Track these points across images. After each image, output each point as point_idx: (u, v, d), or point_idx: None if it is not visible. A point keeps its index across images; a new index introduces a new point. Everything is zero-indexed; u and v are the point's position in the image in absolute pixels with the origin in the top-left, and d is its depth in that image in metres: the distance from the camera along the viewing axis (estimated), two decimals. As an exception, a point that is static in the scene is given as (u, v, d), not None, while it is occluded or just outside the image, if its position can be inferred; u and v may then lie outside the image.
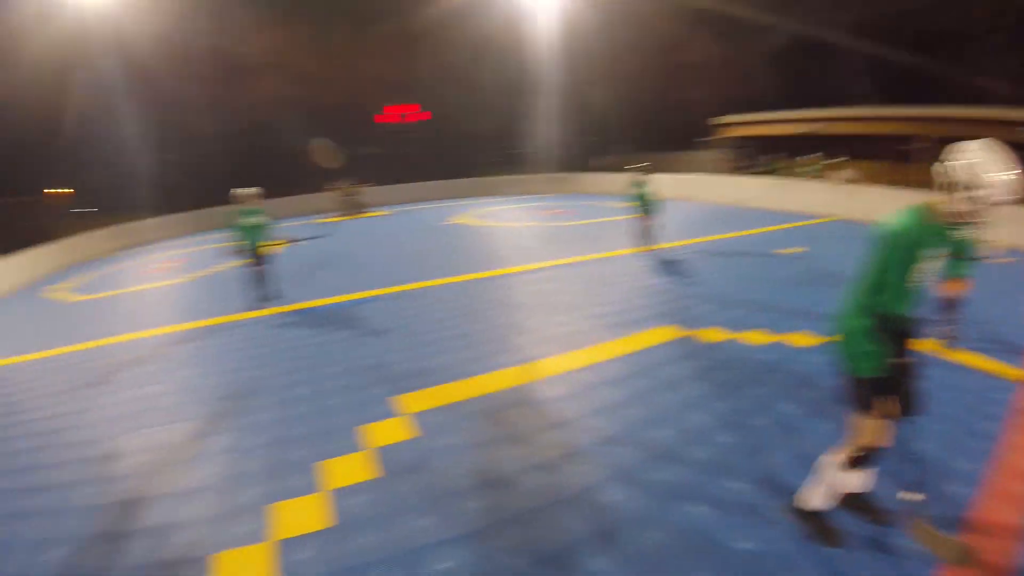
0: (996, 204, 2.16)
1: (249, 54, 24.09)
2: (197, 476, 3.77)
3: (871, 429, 2.45)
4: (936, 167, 2.29)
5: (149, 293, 10.33)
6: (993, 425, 3.91)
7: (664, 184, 16.52)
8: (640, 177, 9.35)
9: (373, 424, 4.24)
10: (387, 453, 3.82)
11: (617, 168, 20.32)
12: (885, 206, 5.00)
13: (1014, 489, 3.27)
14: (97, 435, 4.54)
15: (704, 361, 4.87)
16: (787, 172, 18.25)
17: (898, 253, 2.27)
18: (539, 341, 5.65)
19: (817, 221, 12.77)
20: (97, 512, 3.43)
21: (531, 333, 5.96)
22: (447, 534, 2.98)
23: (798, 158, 18.62)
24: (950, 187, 2.22)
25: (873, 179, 14.58)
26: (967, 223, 2.24)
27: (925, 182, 4.79)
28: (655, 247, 9.48)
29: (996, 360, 4.99)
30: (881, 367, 2.35)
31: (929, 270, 2.33)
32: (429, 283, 8.71)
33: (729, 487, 3.24)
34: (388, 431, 4.13)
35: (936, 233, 2.30)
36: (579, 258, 9.34)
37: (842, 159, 16.88)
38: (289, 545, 3.04)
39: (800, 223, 12.63)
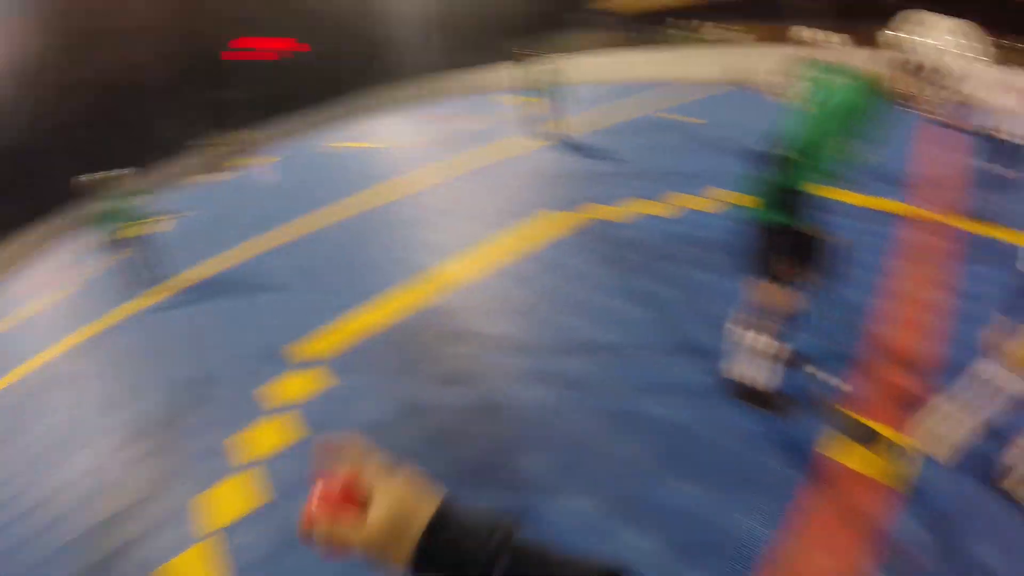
0: (956, 94, 2.09)
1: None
2: (124, 493, 3.43)
3: (782, 295, 2.51)
4: (889, 37, 2.11)
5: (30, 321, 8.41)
6: (879, 257, 4.23)
7: (559, 69, 16.41)
8: (537, 64, 8.96)
9: (285, 381, 4.00)
10: (307, 409, 3.62)
11: (511, 59, 19.37)
12: (780, 65, 5.10)
13: (903, 314, 3.58)
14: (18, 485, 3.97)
15: (613, 243, 4.90)
16: (684, 41, 18.11)
17: (834, 123, 2.21)
18: (444, 253, 5.45)
19: (715, 88, 12.93)
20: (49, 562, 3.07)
21: (435, 248, 5.71)
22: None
23: (693, 21, 18.46)
24: (907, 67, 2.07)
25: (774, 38, 14.65)
26: (914, 102, 2.16)
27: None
28: (556, 134, 9.27)
29: (878, 196, 5.37)
30: (795, 230, 2.37)
31: (857, 139, 2.29)
32: (318, 226, 8.02)
33: (652, 364, 3.32)
34: (301, 386, 3.90)
35: (877, 105, 2.23)
36: (478, 161, 9.01)
37: (740, 26, 16.88)
38: (232, 531, 2.88)
39: (700, 92, 12.75)
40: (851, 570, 2.16)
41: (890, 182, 5.84)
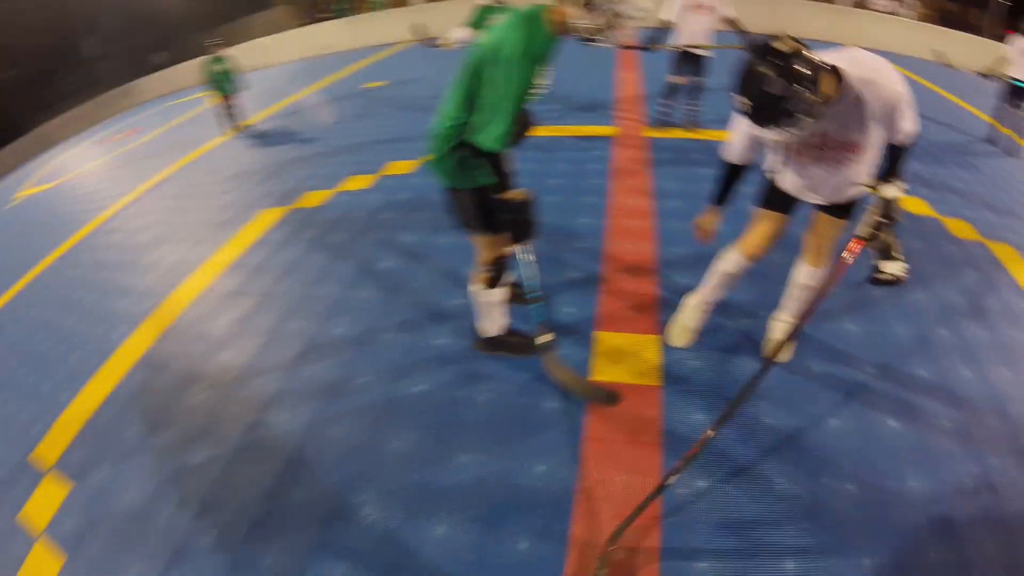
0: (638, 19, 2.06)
1: None
2: None
3: (490, 243, 2.44)
4: None
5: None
6: (601, 179, 4.62)
7: (239, 57, 14.78)
8: (215, 56, 7.85)
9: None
10: (54, 529, 2.59)
11: (185, 57, 16.82)
12: (455, 18, 5.18)
13: (627, 224, 3.93)
14: None
15: (316, 229, 4.44)
16: (355, 9, 17.66)
17: (513, 72, 1.95)
18: (156, 292, 4.29)
19: (395, 49, 12.90)
20: None
21: (144, 290, 4.43)
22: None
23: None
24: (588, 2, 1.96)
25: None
26: (591, 38, 2.04)
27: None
28: (243, 126, 8.28)
29: (591, 125, 5.91)
30: (486, 185, 2.25)
31: (537, 86, 2.13)
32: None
33: (398, 343, 3.10)
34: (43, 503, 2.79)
35: (551, 45, 2.07)
36: (165, 172, 7.47)
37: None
38: None
39: (380, 55, 12.61)
40: (648, 472, 2.27)
41: (601, 109, 6.47)
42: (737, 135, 2.18)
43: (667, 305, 3.14)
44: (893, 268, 2.07)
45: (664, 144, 5.37)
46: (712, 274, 2.67)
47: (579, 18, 1.99)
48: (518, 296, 3.14)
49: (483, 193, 2.28)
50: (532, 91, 2.06)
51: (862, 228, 2.03)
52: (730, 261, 2.57)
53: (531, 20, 2.00)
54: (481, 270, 2.53)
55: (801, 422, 2.46)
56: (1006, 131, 5.70)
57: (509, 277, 2.63)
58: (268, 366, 3.07)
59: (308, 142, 6.90)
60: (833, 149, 2.02)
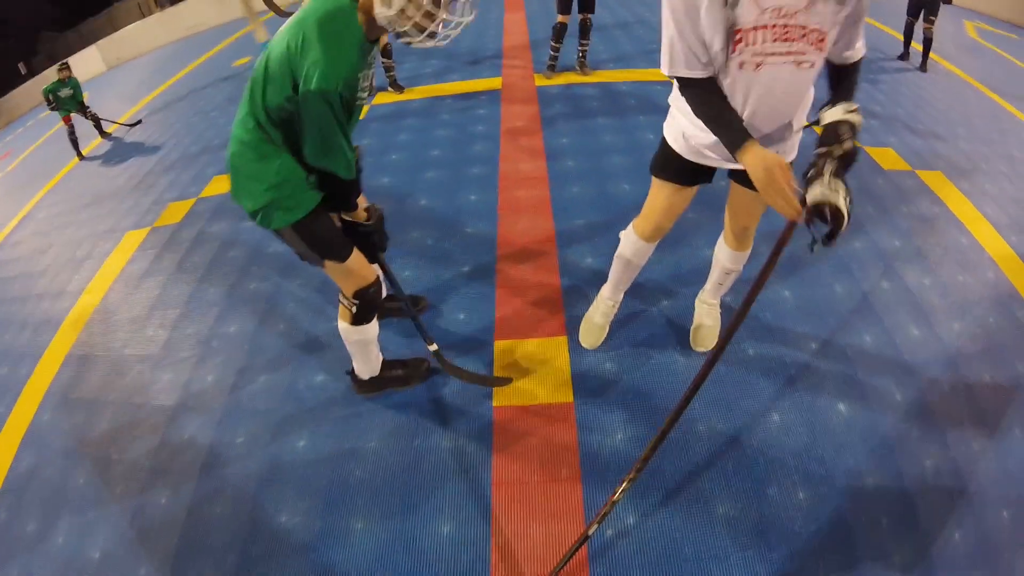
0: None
1: None
2: None
3: (345, 272, 1.88)
4: None
5: None
6: (489, 144, 4.04)
7: (93, 60, 12.95)
8: (58, 81, 6.62)
9: None
10: None
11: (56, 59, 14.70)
12: None
13: (521, 197, 3.41)
14: None
15: (178, 250, 3.64)
16: None
17: (323, 109, 1.47)
18: (27, 353, 3.44)
19: (264, 19, 11.63)
20: None
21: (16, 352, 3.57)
22: None
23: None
24: None
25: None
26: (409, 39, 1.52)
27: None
28: (104, 135, 7.02)
29: (475, 79, 5.24)
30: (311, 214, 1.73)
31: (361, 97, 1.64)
32: None
33: (261, 385, 2.52)
34: None
35: (367, 53, 1.57)
36: (29, 205, 6.10)
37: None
38: None
39: (248, 28, 11.32)
40: (570, 515, 1.90)
41: (488, 59, 5.82)
42: (676, 39, 1.40)
43: (572, 296, 2.69)
44: None
45: (556, 93, 4.83)
46: (615, 261, 2.21)
47: (386, 16, 1.46)
48: (395, 310, 2.60)
49: (311, 222, 1.72)
50: (356, 104, 1.60)
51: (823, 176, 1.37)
52: (627, 246, 2.10)
53: (337, 25, 1.45)
54: (345, 304, 1.96)
55: (739, 423, 2.11)
56: (916, 46, 5.67)
57: (379, 306, 2.06)
58: (139, 436, 2.42)
59: (172, 143, 5.84)
60: (797, 41, 1.33)
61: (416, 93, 5.14)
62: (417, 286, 2.84)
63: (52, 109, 6.62)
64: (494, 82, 5.18)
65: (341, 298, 1.96)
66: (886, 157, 3.79)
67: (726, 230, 2.04)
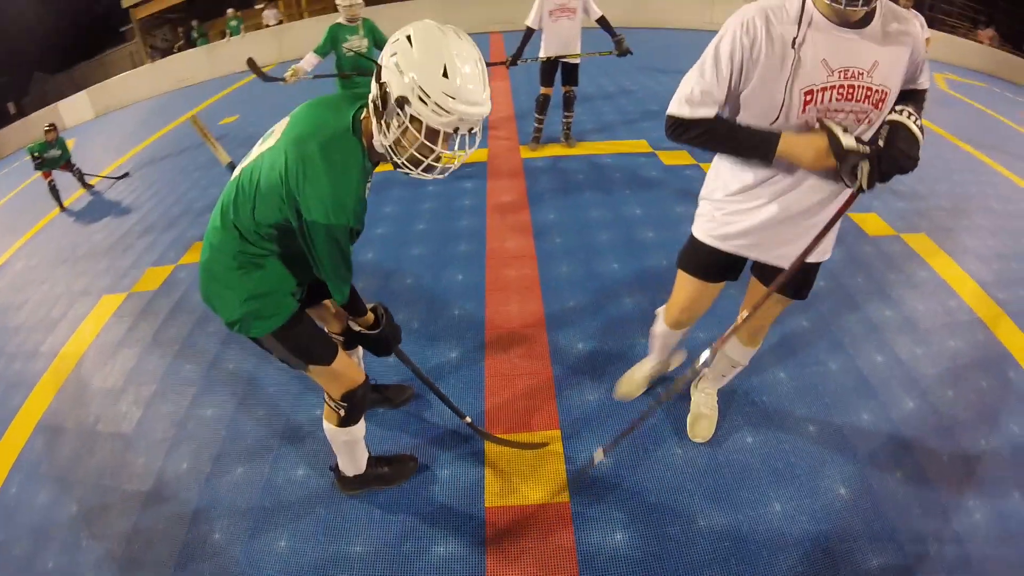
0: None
1: None
2: None
3: (331, 375, 1.85)
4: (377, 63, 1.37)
5: None
6: (476, 219, 4.07)
7: (82, 106, 13.39)
8: (43, 143, 6.72)
9: None
10: None
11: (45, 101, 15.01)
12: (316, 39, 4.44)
13: (509, 277, 3.42)
14: None
15: (155, 318, 3.63)
16: (214, 35, 16.55)
17: (329, 241, 1.44)
18: None
19: (251, 78, 12.01)
20: None
21: None
22: None
23: (215, 20, 16.94)
24: (387, 105, 1.33)
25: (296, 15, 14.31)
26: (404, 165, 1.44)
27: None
28: (87, 187, 7.06)
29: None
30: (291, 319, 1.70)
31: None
32: None
33: (238, 478, 2.44)
34: None
35: (368, 175, 1.53)
36: (11, 249, 6.08)
37: (260, 5, 16.01)
38: None
39: (237, 84, 11.63)
40: None
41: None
42: (699, 80, 1.46)
43: (564, 385, 2.69)
44: None
45: (542, 166, 4.95)
46: (651, 334, 2.29)
47: (383, 144, 1.41)
48: (381, 400, 2.57)
49: (292, 327, 1.70)
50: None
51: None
52: (659, 326, 2.18)
53: (343, 155, 1.40)
54: (332, 407, 1.92)
55: (741, 516, 2.07)
56: None
57: (366, 407, 2.02)
58: (111, 522, 2.33)
59: (154, 201, 5.87)
60: (860, 101, 1.38)
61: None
62: (403, 373, 2.80)
63: (38, 168, 6.63)
64: (480, 154, 5.31)
65: (328, 400, 1.92)
66: (870, 223, 3.87)
67: (740, 328, 2.02)
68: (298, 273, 1.66)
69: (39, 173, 6.70)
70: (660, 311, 2.16)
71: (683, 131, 1.50)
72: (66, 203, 6.51)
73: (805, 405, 2.47)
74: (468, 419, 2.27)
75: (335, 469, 2.23)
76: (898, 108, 1.37)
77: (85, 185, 6.92)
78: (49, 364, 3.38)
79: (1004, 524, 2.02)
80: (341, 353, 1.82)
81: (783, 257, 1.62)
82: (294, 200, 1.40)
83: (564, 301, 3.22)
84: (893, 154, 1.31)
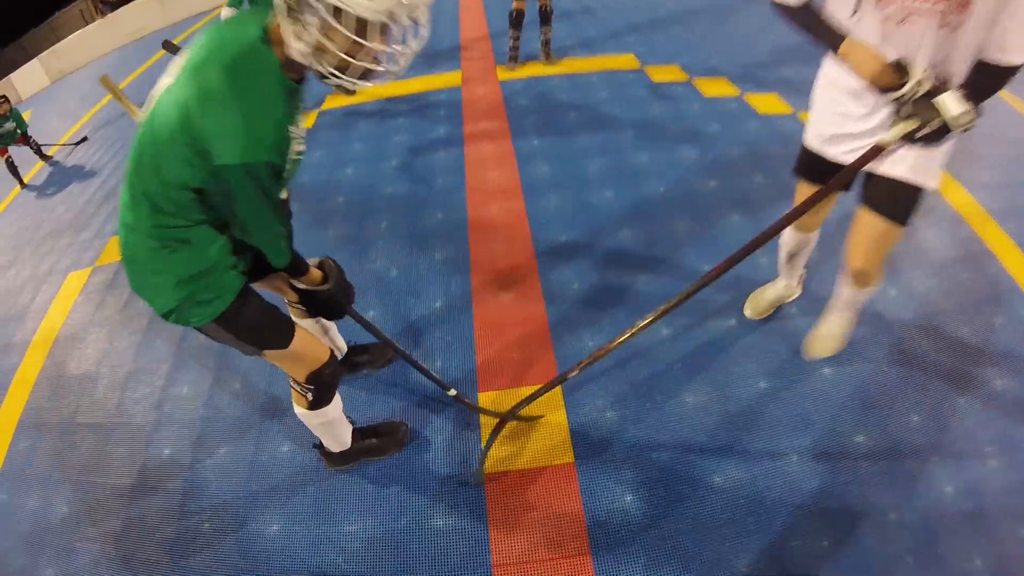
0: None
1: None
2: None
3: (291, 357, 1.61)
4: None
5: None
6: (453, 151, 3.76)
7: (36, 75, 12.31)
8: (1, 113, 6.11)
9: None
10: None
11: None
12: None
13: (493, 213, 3.16)
14: None
15: (122, 292, 3.30)
16: None
17: (248, 189, 1.17)
18: None
19: (209, 19, 11.07)
20: None
21: None
22: None
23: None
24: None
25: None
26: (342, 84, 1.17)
27: None
28: (44, 159, 6.51)
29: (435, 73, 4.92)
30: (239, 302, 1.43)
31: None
32: None
33: (223, 459, 2.27)
34: None
35: (296, 96, 1.24)
36: None
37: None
38: None
39: (194, 27, 10.74)
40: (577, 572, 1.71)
41: (445, 53, 5.47)
42: None
43: (561, 331, 2.48)
44: None
45: (521, 87, 4.54)
46: (778, 248, 2.20)
47: (302, 52, 1.11)
48: (364, 363, 2.36)
49: (237, 310, 1.43)
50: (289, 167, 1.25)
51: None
52: (787, 235, 2.10)
53: (252, 74, 1.12)
54: (299, 391, 1.70)
55: (757, 471, 1.91)
56: None
57: (336, 385, 1.80)
58: (100, 521, 2.18)
59: (112, 164, 5.39)
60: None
61: (367, 95, 4.81)
62: (385, 329, 2.58)
63: None
64: (453, 77, 4.87)
65: (292, 384, 1.70)
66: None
67: (848, 264, 1.82)
68: (236, 240, 1.38)
69: (2, 153, 6.19)
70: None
71: (780, 16, 1.46)
72: (26, 178, 6.00)
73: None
74: (453, 392, 2.05)
75: (319, 447, 2.04)
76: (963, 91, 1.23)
77: (43, 157, 6.39)
78: (23, 357, 3.11)
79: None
80: (299, 331, 1.58)
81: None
82: (201, 146, 1.11)
83: (555, 236, 2.97)
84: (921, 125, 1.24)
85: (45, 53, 12.49)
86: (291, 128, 1.21)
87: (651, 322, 1.54)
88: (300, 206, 3.48)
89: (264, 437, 2.29)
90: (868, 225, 1.65)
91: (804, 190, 1.87)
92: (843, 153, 1.64)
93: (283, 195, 1.57)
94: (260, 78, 1.13)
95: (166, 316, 1.37)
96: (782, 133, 3.50)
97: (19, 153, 6.17)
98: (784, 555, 1.72)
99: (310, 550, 1.92)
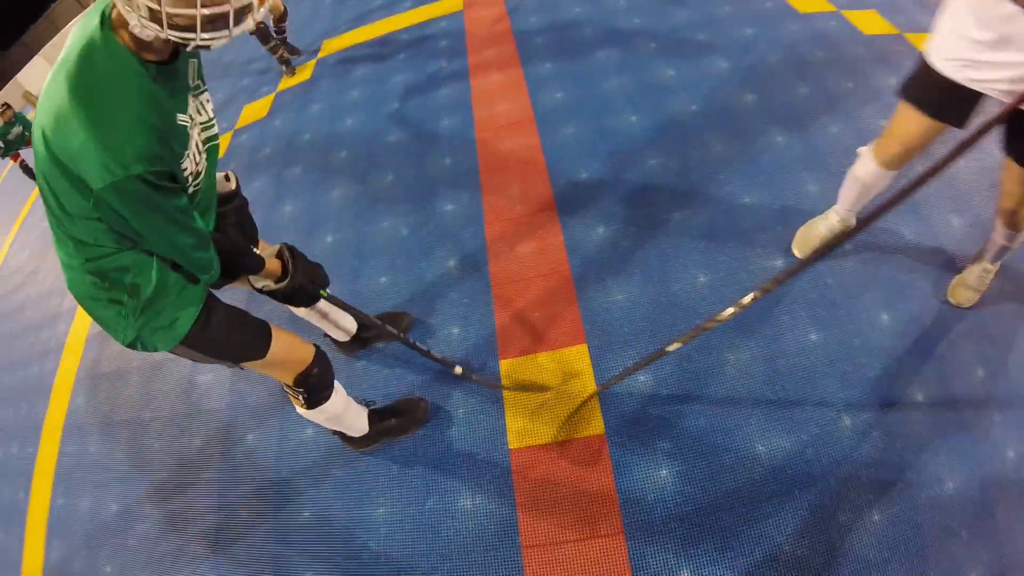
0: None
1: None
2: None
3: (273, 365, 1.48)
4: None
5: None
6: (458, 87, 3.46)
7: (41, 74, 12.07)
8: (5, 120, 6.15)
9: None
10: None
11: None
12: None
13: (506, 153, 2.91)
14: None
15: None
16: None
17: (152, 195, 1.00)
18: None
19: None
20: None
21: None
22: None
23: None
24: None
25: None
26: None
27: None
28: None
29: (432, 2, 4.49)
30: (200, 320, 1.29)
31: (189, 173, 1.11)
32: None
33: (249, 446, 2.26)
34: None
35: (168, 82, 1.03)
36: (5, 245, 5.75)
37: None
38: None
39: None
40: (610, 553, 1.65)
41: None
42: None
43: (585, 284, 2.27)
44: None
45: (527, 3, 4.08)
46: (848, 177, 1.92)
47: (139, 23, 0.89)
48: (376, 337, 2.25)
49: (202, 329, 1.30)
50: (185, 189, 1.09)
51: None
52: (863, 167, 1.81)
53: (94, 73, 0.93)
54: (290, 393, 1.60)
55: (806, 437, 1.72)
56: None
57: (331, 382, 1.68)
58: (147, 515, 2.26)
59: None
60: None
61: (366, 33, 4.45)
62: (396, 296, 2.45)
63: (3, 155, 6.25)
64: (453, 2, 4.43)
65: (284, 387, 1.59)
66: (866, 20, 3.11)
67: (1002, 203, 1.67)
68: None
69: (9, 159, 6.31)
70: (864, 149, 1.79)
71: None
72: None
73: (877, 287, 2.04)
74: (458, 369, 1.90)
75: (338, 432, 1.96)
76: None
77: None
78: (58, 363, 3.15)
79: None
80: (277, 336, 1.45)
81: None
82: (72, 173, 0.95)
83: (575, 173, 2.70)
84: None
85: (47, 47, 12.31)
86: (179, 117, 1.03)
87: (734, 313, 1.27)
88: (303, 168, 3.30)
89: (288, 421, 2.24)
90: (1018, 173, 1.52)
91: (910, 116, 1.57)
92: (978, 81, 1.37)
93: (232, 187, 1.41)
94: (106, 79, 0.94)
95: (131, 347, 1.25)
96: (826, 34, 3.04)
97: (30, 157, 6.12)
98: (831, 531, 1.57)
99: (343, 536, 1.90)
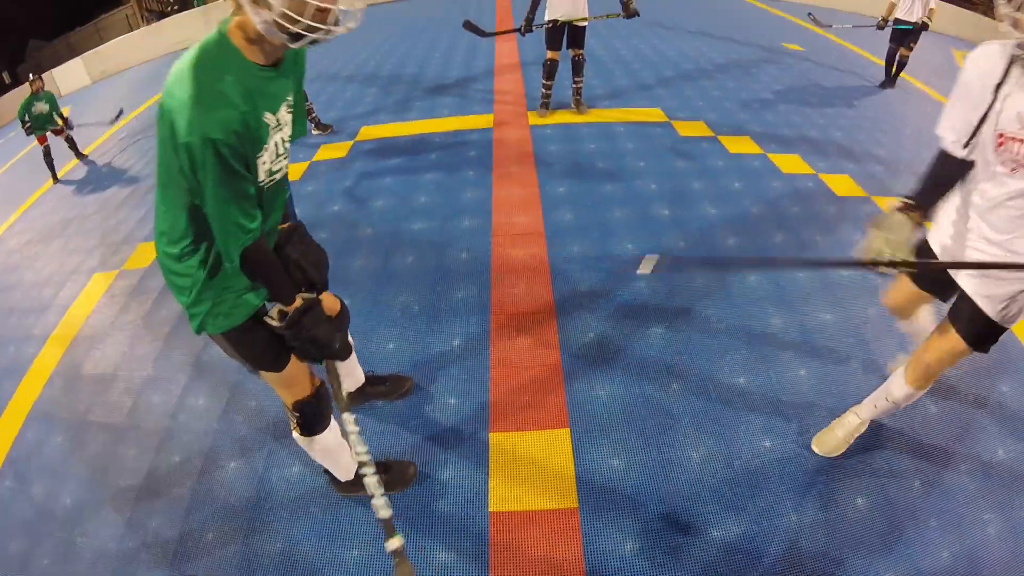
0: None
1: None
2: None
3: (282, 381, 1.74)
4: None
5: None
6: (480, 192, 3.93)
7: (78, 73, 13.05)
8: (32, 95, 6.53)
9: None
10: None
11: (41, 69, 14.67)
12: None
13: (516, 257, 3.28)
14: None
15: (145, 299, 3.48)
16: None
17: (199, 165, 1.22)
18: None
19: None
20: None
21: None
22: None
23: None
24: None
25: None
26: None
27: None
28: (80, 157, 6.86)
29: (468, 115, 5.14)
30: (245, 318, 1.56)
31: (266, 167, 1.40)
32: None
33: (224, 480, 2.37)
34: None
35: (266, 82, 1.32)
36: (6, 223, 5.86)
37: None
38: None
39: None
40: None
41: (477, 88, 5.73)
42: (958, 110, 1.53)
43: (574, 378, 2.57)
44: None
45: (550, 134, 4.74)
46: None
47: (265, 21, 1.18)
48: (379, 393, 2.47)
49: (247, 330, 1.59)
50: (256, 180, 1.35)
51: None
52: (905, 327, 2.27)
53: (206, 59, 1.22)
54: (289, 414, 1.82)
55: (757, 529, 1.94)
56: (893, 70, 6.09)
57: (327, 416, 1.89)
58: (105, 519, 2.25)
59: (147, 172, 5.68)
60: None
61: (404, 129, 5.04)
62: (402, 362, 2.70)
63: (29, 132, 6.46)
64: (485, 120, 5.09)
65: (284, 408, 1.82)
66: (840, 184, 3.73)
67: (911, 363, 1.88)
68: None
69: (35, 139, 6.57)
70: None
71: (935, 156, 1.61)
72: (60, 173, 6.34)
73: (830, 397, 2.36)
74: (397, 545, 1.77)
75: (328, 472, 2.13)
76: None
77: (78, 155, 6.78)
78: (40, 349, 3.28)
79: None
80: (293, 362, 1.70)
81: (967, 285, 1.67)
82: (171, 126, 1.20)
83: (575, 284, 3.09)
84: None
85: (89, 53, 13.13)
86: (266, 115, 1.31)
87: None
88: (328, 234, 3.66)
89: (275, 456, 2.38)
90: (946, 341, 1.74)
91: (902, 284, 1.98)
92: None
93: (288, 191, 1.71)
94: (216, 60, 1.22)
95: (191, 316, 1.51)
96: (804, 193, 3.61)
97: (55, 146, 6.47)
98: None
99: (312, 571, 1.98)
